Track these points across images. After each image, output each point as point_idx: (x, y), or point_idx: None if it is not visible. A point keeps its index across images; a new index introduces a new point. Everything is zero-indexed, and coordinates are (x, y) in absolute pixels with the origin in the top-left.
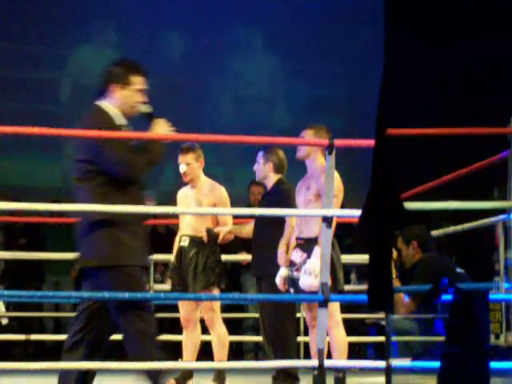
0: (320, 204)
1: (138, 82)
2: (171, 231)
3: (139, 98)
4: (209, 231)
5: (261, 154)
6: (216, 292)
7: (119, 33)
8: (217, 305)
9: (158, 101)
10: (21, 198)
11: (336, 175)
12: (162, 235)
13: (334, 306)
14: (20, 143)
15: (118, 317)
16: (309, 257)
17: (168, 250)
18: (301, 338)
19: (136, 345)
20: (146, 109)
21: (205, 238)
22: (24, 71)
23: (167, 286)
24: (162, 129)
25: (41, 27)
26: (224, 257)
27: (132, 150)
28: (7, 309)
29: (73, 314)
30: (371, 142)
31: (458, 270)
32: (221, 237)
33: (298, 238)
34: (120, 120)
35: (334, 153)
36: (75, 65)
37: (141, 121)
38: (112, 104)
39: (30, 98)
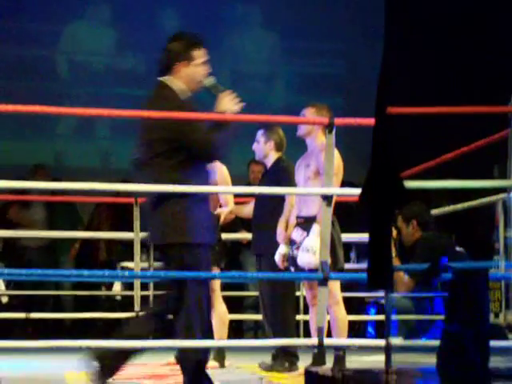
0: (319, 181)
1: (200, 55)
2: None
3: (203, 72)
4: None
5: (261, 132)
6: (216, 271)
7: (114, 9)
8: (217, 283)
9: (154, 78)
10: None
11: (336, 153)
12: None
13: (334, 285)
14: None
15: (183, 288)
16: (308, 235)
17: None
18: (300, 317)
19: (191, 317)
20: (210, 82)
21: None
22: (18, 48)
23: None
24: (227, 104)
25: (34, 4)
26: (224, 235)
27: (210, 128)
28: (7, 287)
29: (73, 293)
30: (371, 121)
31: (458, 248)
32: (222, 218)
33: (298, 217)
34: (185, 96)
35: (333, 131)
36: (69, 42)
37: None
38: (177, 80)
39: (24, 75)
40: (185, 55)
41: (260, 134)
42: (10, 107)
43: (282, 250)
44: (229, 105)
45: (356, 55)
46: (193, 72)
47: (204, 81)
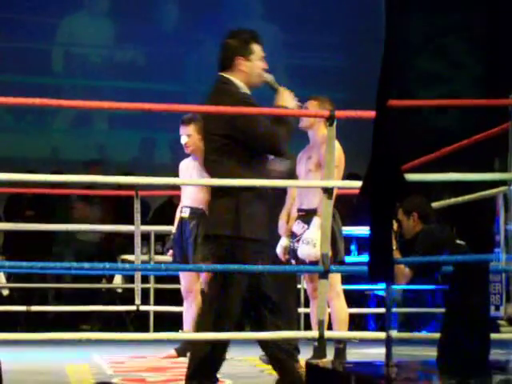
0: (320, 174)
1: (258, 50)
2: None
3: (263, 66)
4: None
5: None
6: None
7: (112, 0)
8: None
9: (153, 71)
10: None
11: (338, 146)
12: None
13: (335, 278)
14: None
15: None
16: (309, 228)
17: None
18: (301, 310)
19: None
20: (269, 77)
21: (206, 211)
22: (15, 41)
23: (169, 258)
24: (287, 99)
25: None
26: None
27: (272, 123)
28: (8, 279)
29: (74, 286)
30: (372, 114)
31: (458, 241)
32: None
33: (299, 210)
34: (246, 91)
35: (334, 124)
36: (66, 34)
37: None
38: (238, 76)
39: (21, 68)
40: (245, 50)
41: None
42: (11, 100)
43: (284, 242)
44: (289, 100)
45: (357, 48)
46: (253, 66)
47: (264, 75)
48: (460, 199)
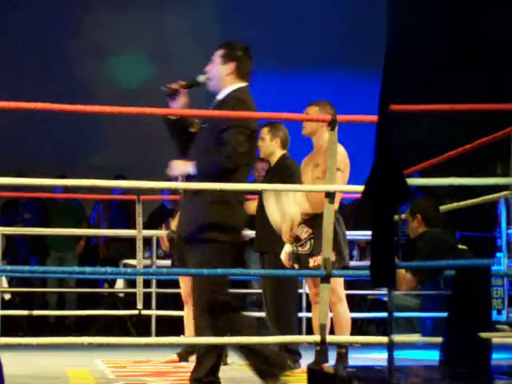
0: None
1: None
2: None
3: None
4: None
5: (266, 129)
6: None
7: None
8: None
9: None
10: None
11: (343, 150)
12: None
13: (337, 282)
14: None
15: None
16: (314, 233)
17: None
18: (303, 314)
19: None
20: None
21: None
22: None
23: (169, 262)
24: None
25: None
26: None
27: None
28: (10, 284)
29: (76, 290)
30: (374, 118)
31: (460, 246)
32: None
33: (303, 214)
34: None
35: (336, 128)
36: None
37: None
38: None
39: None
40: None
41: (265, 132)
42: (13, 104)
43: (288, 248)
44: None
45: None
46: None
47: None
48: (463, 204)
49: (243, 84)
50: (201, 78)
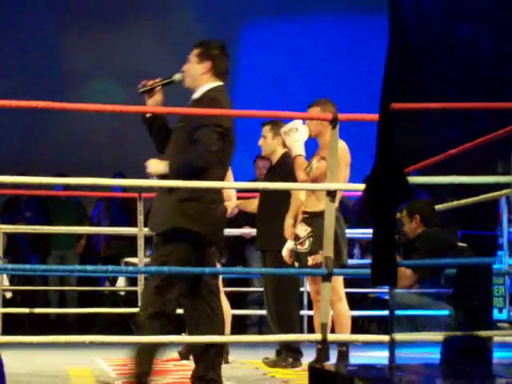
0: None
1: None
2: None
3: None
4: None
5: (267, 127)
6: (217, 266)
7: None
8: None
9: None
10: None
11: (345, 148)
12: None
13: (337, 281)
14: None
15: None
16: (313, 231)
17: None
18: (304, 312)
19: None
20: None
21: None
22: None
23: None
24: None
25: None
26: (227, 231)
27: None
28: (11, 282)
29: (78, 288)
30: (375, 117)
31: (461, 244)
32: (229, 211)
33: (303, 212)
34: None
35: (337, 127)
36: None
37: None
38: None
39: None
40: None
41: (267, 130)
42: (14, 103)
43: (290, 245)
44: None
45: (361, 53)
46: None
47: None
48: (463, 202)
49: (219, 83)
50: (177, 77)
